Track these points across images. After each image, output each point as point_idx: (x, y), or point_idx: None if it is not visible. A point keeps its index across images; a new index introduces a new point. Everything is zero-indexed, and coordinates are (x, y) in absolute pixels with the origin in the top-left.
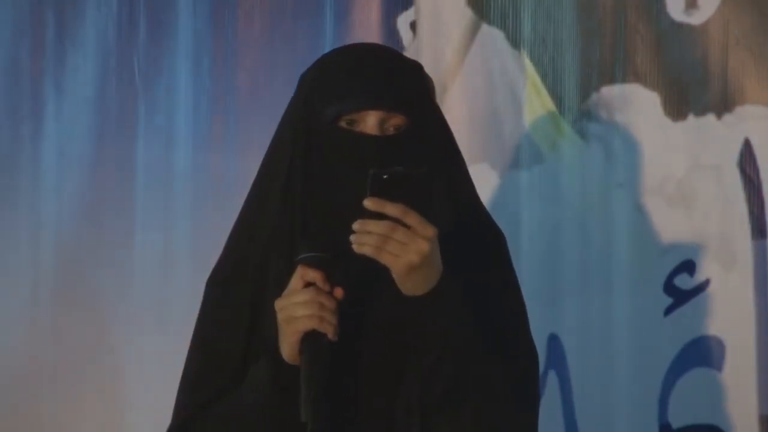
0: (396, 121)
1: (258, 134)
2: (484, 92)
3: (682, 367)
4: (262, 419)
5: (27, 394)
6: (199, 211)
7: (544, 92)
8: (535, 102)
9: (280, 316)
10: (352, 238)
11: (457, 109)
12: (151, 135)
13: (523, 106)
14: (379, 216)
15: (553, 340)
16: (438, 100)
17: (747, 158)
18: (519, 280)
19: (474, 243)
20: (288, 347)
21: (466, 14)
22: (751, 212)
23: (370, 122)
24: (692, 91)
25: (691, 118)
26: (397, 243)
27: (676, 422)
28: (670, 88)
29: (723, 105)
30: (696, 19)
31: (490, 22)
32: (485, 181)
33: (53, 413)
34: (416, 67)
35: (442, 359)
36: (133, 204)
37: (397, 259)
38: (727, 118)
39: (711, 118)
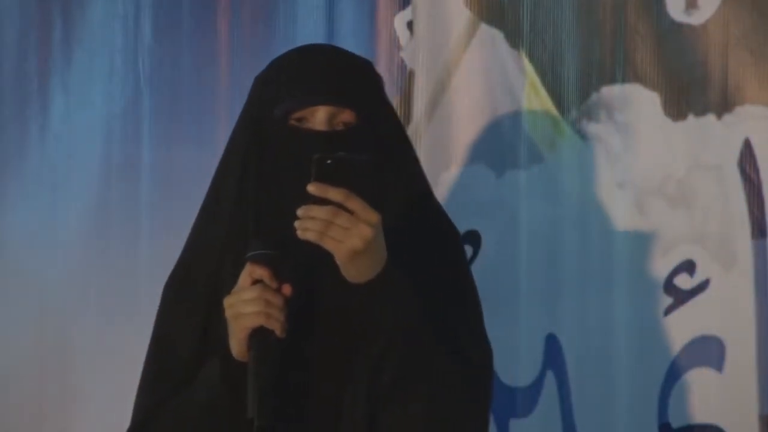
0: (345, 116)
1: None
2: (483, 92)
3: (682, 367)
4: (213, 416)
5: (33, 395)
6: None
7: (543, 92)
8: (534, 102)
9: (228, 314)
10: (297, 224)
11: (455, 109)
12: (157, 135)
13: (522, 105)
14: (324, 201)
15: (551, 340)
16: (436, 99)
17: (747, 158)
18: (517, 280)
19: (426, 238)
20: (236, 344)
21: (464, 13)
22: (751, 212)
23: (318, 118)
24: (692, 91)
25: (691, 118)
26: (339, 228)
27: (675, 422)
28: (670, 88)
29: (723, 105)
30: (696, 19)
31: (488, 22)
32: (484, 181)
33: (59, 416)
34: (365, 64)
35: (389, 347)
36: (139, 204)
37: (339, 245)
38: (727, 118)
39: (711, 118)
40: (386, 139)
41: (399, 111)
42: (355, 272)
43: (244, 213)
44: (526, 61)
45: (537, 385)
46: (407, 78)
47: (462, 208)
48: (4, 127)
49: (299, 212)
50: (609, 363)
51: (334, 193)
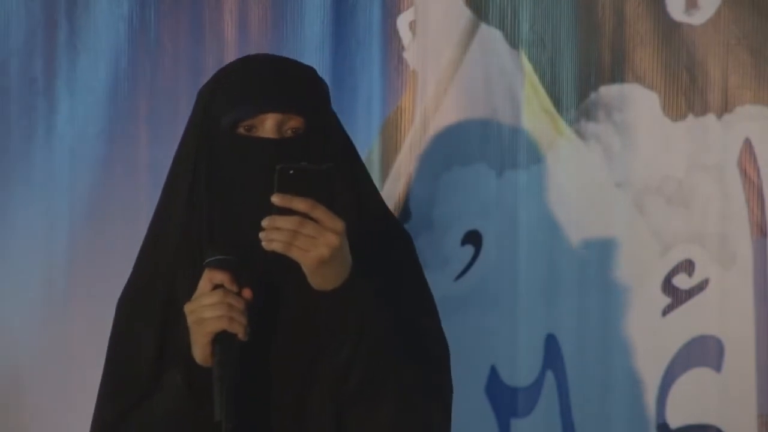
0: (294, 123)
1: None
2: (483, 92)
3: (681, 367)
4: (178, 423)
5: (37, 393)
6: None
7: (542, 92)
8: (534, 102)
9: (190, 319)
10: (262, 235)
11: (457, 109)
12: (162, 135)
13: (521, 105)
14: (288, 211)
15: (551, 340)
16: (438, 99)
17: (747, 158)
18: (517, 279)
19: (380, 242)
20: (200, 349)
21: (465, 14)
22: (751, 212)
23: (267, 126)
24: (692, 90)
25: (690, 118)
26: (306, 237)
27: (674, 422)
28: (669, 88)
29: (723, 105)
30: (696, 19)
31: (488, 22)
32: (485, 181)
33: (62, 413)
34: (310, 71)
35: (356, 353)
36: (143, 204)
37: (306, 254)
38: (727, 118)
39: (711, 118)
40: (334, 145)
41: (403, 111)
42: (322, 280)
43: (196, 224)
44: (525, 61)
45: (537, 384)
46: (410, 78)
47: (464, 208)
48: (10, 127)
49: (264, 223)
50: (607, 363)
51: (300, 203)
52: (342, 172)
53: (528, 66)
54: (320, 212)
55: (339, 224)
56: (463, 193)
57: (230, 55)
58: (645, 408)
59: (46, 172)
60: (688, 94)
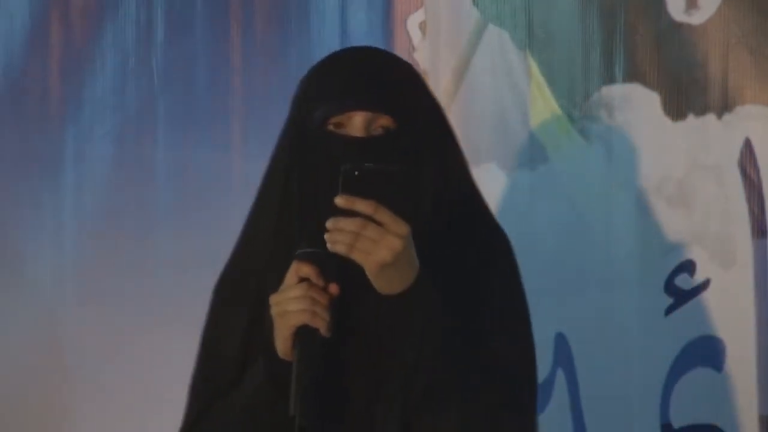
0: (383, 121)
1: (275, 135)
2: (491, 92)
3: (683, 367)
4: (258, 415)
5: (47, 391)
6: (217, 211)
7: (548, 92)
8: (540, 102)
9: (274, 311)
10: (326, 236)
11: (467, 109)
12: (170, 137)
13: (528, 106)
14: (353, 213)
15: (560, 339)
16: (449, 100)
17: (747, 158)
18: (527, 279)
19: (468, 242)
20: (281, 342)
21: (473, 14)
22: (751, 212)
23: (355, 124)
24: (692, 90)
25: (691, 117)
26: (368, 240)
27: (677, 422)
28: (670, 88)
29: (723, 105)
30: (696, 19)
31: (495, 23)
32: (493, 181)
33: (71, 410)
34: (405, 66)
35: (419, 360)
36: (151, 204)
37: (368, 257)
38: (727, 118)
39: (711, 117)
40: (426, 143)
41: None
42: (385, 284)
43: (289, 218)
44: (531, 62)
45: (549, 382)
46: None
47: None
48: (15, 128)
49: (328, 224)
50: (612, 363)
51: (363, 205)
52: (429, 171)
53: (534, 66)
54: (383, 215)
55: (403, 227)
56: None
57: (236, 56)
58: (648, 408)
59: (52, 172)
60: (688, 93)
